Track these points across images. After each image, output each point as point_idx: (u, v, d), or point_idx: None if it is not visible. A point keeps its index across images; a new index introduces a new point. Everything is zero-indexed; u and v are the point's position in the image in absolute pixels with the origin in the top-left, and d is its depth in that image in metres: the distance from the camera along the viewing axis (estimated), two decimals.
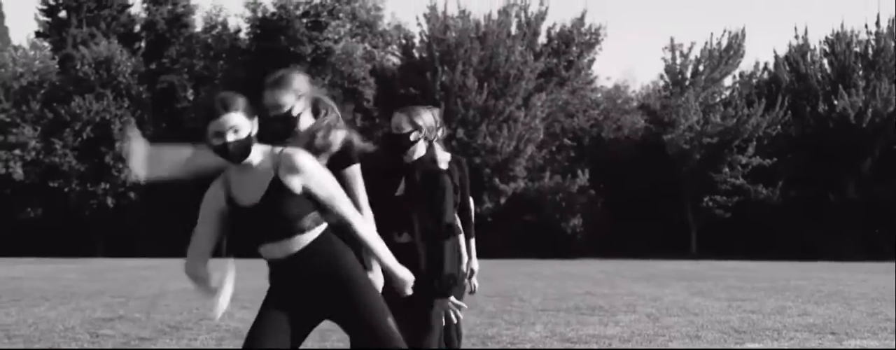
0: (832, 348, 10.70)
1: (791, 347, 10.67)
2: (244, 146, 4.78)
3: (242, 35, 62.65)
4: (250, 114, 4.86)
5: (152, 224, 58.90)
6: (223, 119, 4.77)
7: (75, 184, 58.04)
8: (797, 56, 61.04)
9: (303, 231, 4.79)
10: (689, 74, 61.13)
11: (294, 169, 4.77)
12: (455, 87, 56.15)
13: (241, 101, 4.83)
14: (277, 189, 4.78)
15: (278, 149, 4.88)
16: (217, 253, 5.23)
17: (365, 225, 4.90)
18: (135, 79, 60.20)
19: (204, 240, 4.95)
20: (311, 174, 4.79)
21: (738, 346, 10.78)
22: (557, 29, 61.75)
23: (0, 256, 53.74)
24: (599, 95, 65.40)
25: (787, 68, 61.48)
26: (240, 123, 4.77)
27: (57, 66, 60.48)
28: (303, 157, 4.82)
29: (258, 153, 4.87)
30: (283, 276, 4.92)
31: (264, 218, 4.81)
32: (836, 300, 18.19)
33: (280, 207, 4.76)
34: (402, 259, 5.05)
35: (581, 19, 61.74)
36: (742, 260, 45.52)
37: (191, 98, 61.39)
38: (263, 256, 4.99)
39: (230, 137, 4.77)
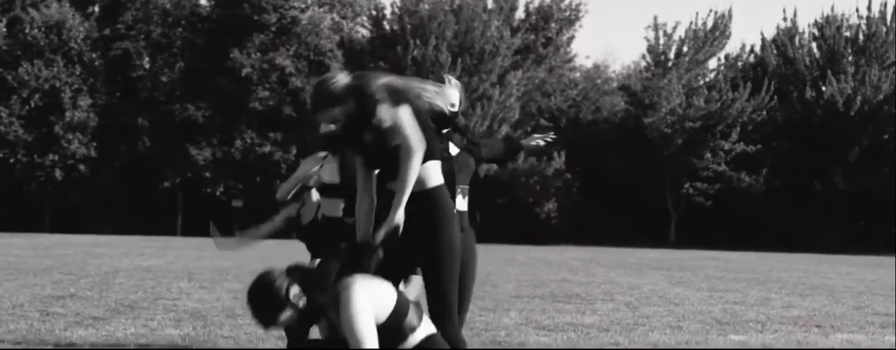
0: (817, 342, 10.79)
1: (776, 340, 10.76)
2: None
3: (203, 1, 62.34)
4: None
5: (102, 199, 58.70)
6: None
7: (21, 154, 57.68)
8: (785, 39, 61.33)
9: None
10: (672, 55, 61.34)
11: None
12: (427, 62, 56.12)
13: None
14: None
15: None
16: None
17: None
18: (87, 45, 59.81)
19: None
20: None
21: (720, 338, 10.86)
22: (536, 3, 61.86)
23: None
24: (578, 75, 65.56)
25: (775, 52, 61.77)
26: None
27: (4, 30, 59.99)
28: None
29: None
30: None
31: None
32: (821, 293, 18.33)
33: None
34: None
35: None
36: (723, 249, 45.79)
37: (147, 66, 61.05)
38: None
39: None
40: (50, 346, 9.34)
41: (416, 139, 5.33)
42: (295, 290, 4.99)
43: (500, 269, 24.91)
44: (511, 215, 57.20)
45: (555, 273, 23.42)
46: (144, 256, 27.14)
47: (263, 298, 5.00)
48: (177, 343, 9.52)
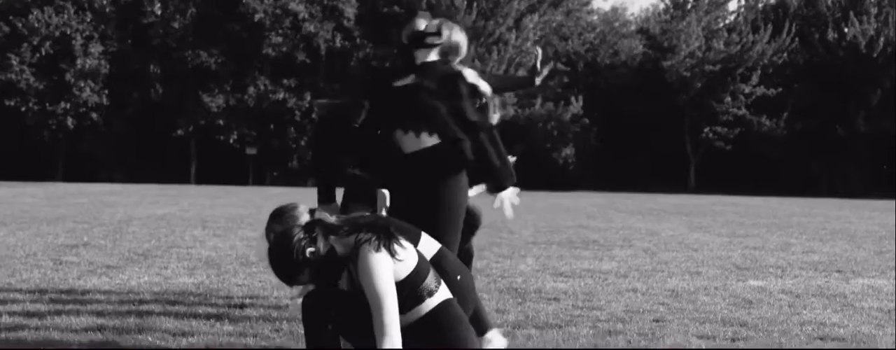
0: (838, 287, 10.79)
1: (795, 285, 10.76)
2: None
3: None
4: None
5: (115, 147, 58.83)
6: None
7: (33, 103, 57.76)
8: None
9: None
10: None
11: None
12: (442, 6, 55.86)
13: None
14: None
15: None
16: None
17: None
18: None
19: None
20: None
21: (740, 283, 10.86)
22: None
23: None
24: (596, 18, 65.26)
25: None
26: None
27: None
28: None
29: None
30: None
31: None
32: (841, 238, 18.32)
33: None
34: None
35: None
36: (743, 195, 45.74)
37: (158, 13, 60.91)
38: None
39: None
40: (64, 295, 9.38)
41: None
42: (312, 249, 4.98)
43: (516, 215, 24.88)
44: (528, 161, 57.16)
45: (572, 219, 23.44)
46: (158, 205, 27.22)
47: (284, 260, 5.01)
48: (191, 291, 9.56)
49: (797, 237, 18.23)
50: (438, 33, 6.21)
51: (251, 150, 59.02)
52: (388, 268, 4.89)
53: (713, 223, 22.44)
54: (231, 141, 59.14)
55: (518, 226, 20.41)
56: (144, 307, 8.57)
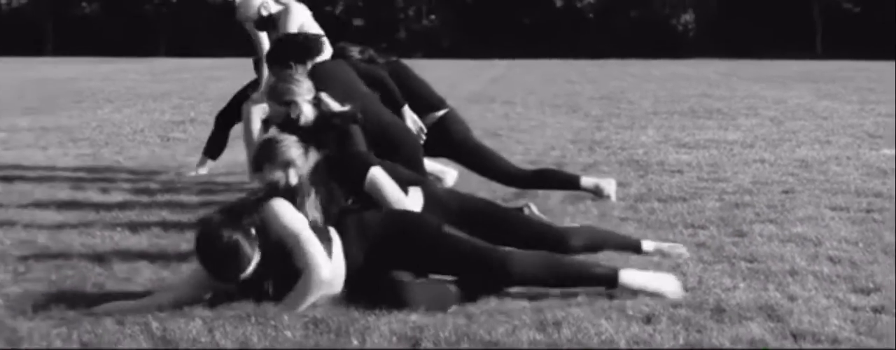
0: None
1: None
2: None
3: None
4: None
5: (217, 22, 59.16)
6: None
7: None
8: None
9: None
10: None
11: None
12: None
13: None
14: None
15: None
16: None
17: None
18: None
19: None
20: None
21: (872, 152, 10.68)
22: None
23: (54, 55, 54.56)
24: None
25: None
26: None
27: None
28: None
29: None
30: None
31: None
32: None
33: None
34: None
35: None
36: (873, 60, 44.78)
37: None
38: None
39: None
40: (172, 172, 9.52)
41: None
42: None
43: (635, 85, 24.73)
44: (645, 28, 56.53)
45: (694, 88, 23.18)
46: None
47: (221, 260, 4.72)
48: None
49: None
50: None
51: (358, 22, 59.00)
52: (288, 207, 4.80)
53: (842, 90, 22.03)
54: (337, 12, 59.13)
55: (637, 96, 20.25)
56: (254, 183, 8.67)
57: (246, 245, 4.67)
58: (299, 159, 5.25)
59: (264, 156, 5.27)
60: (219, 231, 4.70)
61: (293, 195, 5.06)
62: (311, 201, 5.11)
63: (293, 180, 5.20)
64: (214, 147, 9.57)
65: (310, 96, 6.07)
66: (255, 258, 4.67)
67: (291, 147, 5.26)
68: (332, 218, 5.08)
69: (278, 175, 5.20)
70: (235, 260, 4.65)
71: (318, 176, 5.23)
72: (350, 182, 5.34)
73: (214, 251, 4.70)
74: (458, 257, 4.84)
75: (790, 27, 57.69)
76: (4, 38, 57.15)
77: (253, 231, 4.73)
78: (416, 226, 4.96)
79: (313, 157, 5.32)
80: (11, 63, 39.57)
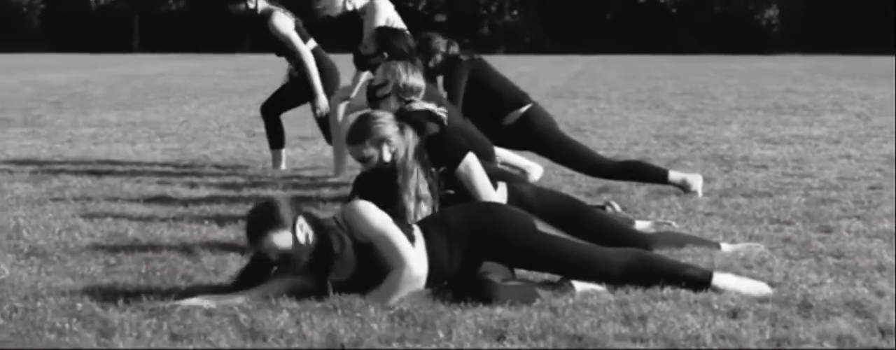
0: None
1: None
2: None
3: None
4: None
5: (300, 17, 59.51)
6: None
7: None
8: None
9: None
10: None
11: None
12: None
13: None
14: None
15: None
16: None
17: None
18: None
19: None
20: None
21: None
22: None
23: (141, 52, 55.24)
24: None
25: None
26: None
27: None
28: None
29: None
30: None
31: None
32: None
33: None
34: None
35: None
36: None
37: None
38: None
39: None
40: (259, 168, 9.62)
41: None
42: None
43: (718, 80, 24.58)
44: (728, 23, 56.07)
45: (778, 83, 23.00)
46: (350, 73, 27.51)
47: (255, 218, 4.77)
48: None
49: None
50: (383, 84, 6.16)
51: (440, 18, 59.09)
52: (371, 206, 4.79)
53: None
54: (419, 8, 59.22)
55: (720, 91, 20.14)
56: (339, 178, 8.74)
57: (287, 213, 4.70)
58: (395, 137, 5.28)
59: (359, 131, 5.31)
60: (275, 199, 4.89)
61: (393, 173, 5.13)
62: (415, 180, 5.17)
63: (386, 157, 5.25)
64: (275, 137, 9.67)
65: (404, 95, 6.10)
66: (345, 256, 4.71)
67: (387, 124, 5.29)
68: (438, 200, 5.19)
69: (372, 151, 5.25)
70: (269, 220, 4.68)
71: (424, 159, 5.28)
72: (444, 163, 5.36)
73: (255, 208, 4.86)
74: (557, 255, 4.82)
75: (876, 23, 56.94)
76: (93, 34, 57.95)
77: (315, 221, 4.78)
78: (510, 220, 4.92)
79: (411, 137, 5.35)
80: (101, 59, 40.09)
